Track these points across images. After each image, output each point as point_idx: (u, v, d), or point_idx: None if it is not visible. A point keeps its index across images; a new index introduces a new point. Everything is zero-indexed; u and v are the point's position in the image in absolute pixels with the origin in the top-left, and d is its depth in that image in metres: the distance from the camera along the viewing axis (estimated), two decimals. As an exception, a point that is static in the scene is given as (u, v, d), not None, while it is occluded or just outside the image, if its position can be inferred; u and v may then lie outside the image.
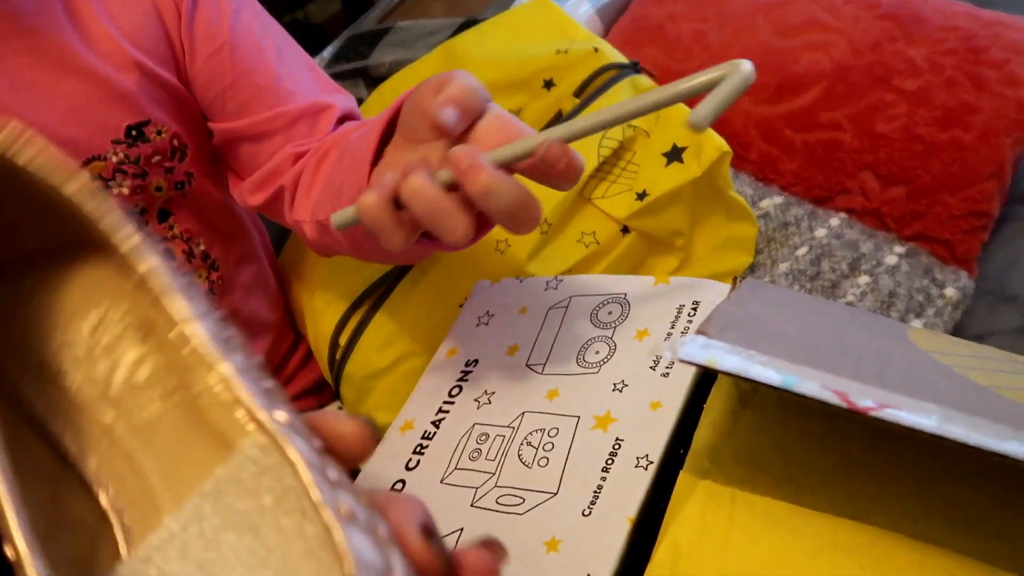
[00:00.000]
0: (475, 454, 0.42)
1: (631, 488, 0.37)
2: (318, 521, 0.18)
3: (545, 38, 0.73)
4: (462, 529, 0.39)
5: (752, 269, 0.68)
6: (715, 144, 0.60)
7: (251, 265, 0.70)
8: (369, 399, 0.62)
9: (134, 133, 0.55)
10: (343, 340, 0.64)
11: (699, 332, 0.32)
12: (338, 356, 0.65)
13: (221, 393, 0.20)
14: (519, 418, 0.43)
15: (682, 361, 0.29)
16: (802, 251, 0.67)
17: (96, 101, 0.53)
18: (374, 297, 0.63)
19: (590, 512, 0.37)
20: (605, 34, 0.91)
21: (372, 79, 0.89)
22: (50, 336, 0.23)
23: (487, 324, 0.50)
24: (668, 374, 0.41)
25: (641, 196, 0.61)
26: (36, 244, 0.24)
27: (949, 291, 0.66)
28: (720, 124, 0.76)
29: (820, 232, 0.68)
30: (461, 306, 0.55)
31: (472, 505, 0.40)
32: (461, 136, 0.41)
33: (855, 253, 0.67)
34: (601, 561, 0.35)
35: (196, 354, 0.19)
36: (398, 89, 0.74)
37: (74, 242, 0.23)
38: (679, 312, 0.44)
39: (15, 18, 0.51)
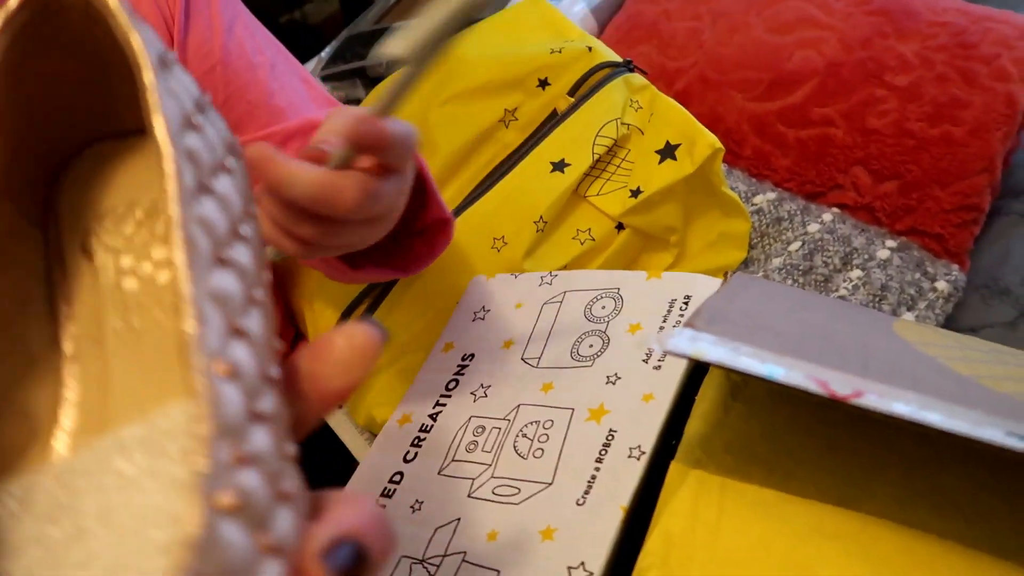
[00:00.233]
0: (472, 446, 0.43)
1: (624, 478, 0.38)
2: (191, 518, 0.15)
3: (540, 37, 0.74)
4: (459, 519, 0.40)
5: (746, 264, 0.69)
6: (708, 141, 0.61)
7: None
8: (368, 395, 0.63)
9: None
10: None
11: (687, 325, 0.33)
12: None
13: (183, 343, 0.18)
14: (515, 411, 0.44)
15: (670, 353, 0.30)
16: (795, 246, 0.68)
17: None
18: (373, 295, 0.64)
19: (584, 501, 0.37)
20: (600, 32, 0.92)
21: (370, 79, 0.90)
22: (105, 210, 0.22)
23: (483, 319, 0.51)
24: (660, 367, 0.42)
25: (635, 193, 0.62)
26: (133, 122, 0.23)
27: (940, 284, 0.66)
28: (714, 121, 0.77)
29: (813, 227, 0.69)
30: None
31: (469, 496, 0.41)
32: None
33: (847, 247, 0.68)
34: (595, 549, 0.36)
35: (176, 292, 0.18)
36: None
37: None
38: (671, 306, 0.45)
39: None
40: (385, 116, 0.35)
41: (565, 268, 0.61)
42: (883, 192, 0.71)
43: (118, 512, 0.18)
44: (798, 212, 0.71)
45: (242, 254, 0.19)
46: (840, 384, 0.29)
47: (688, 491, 0.37)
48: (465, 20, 0.28)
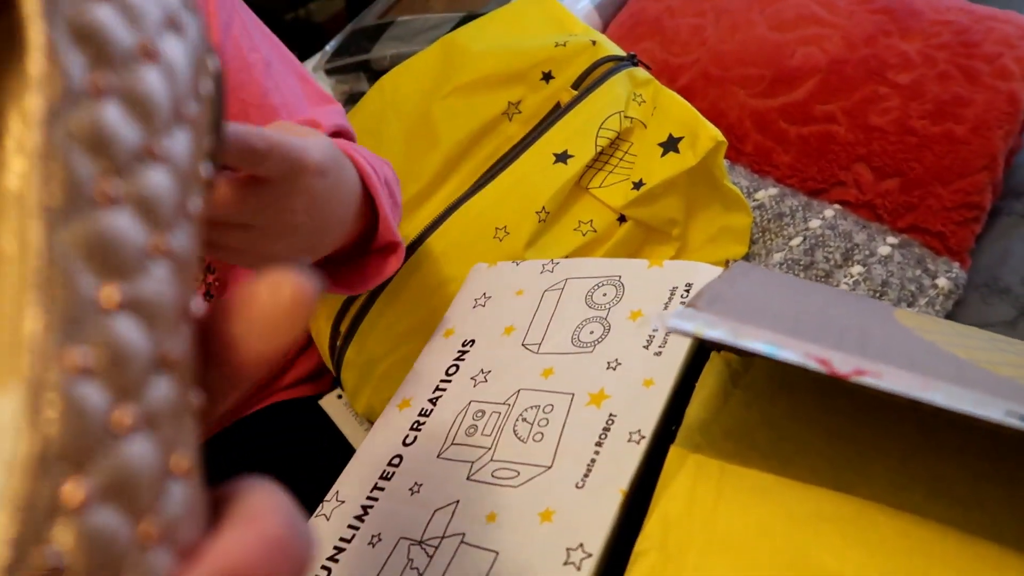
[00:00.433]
0: (471, 430, 0.43)
1: (623, 461, 0.38)
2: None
3: (543, 32, 0.74)
4: (458, 501, 0.40)
5: (747, 259, 0.69)
6: (710, 134, 0.61)
7: None
8: (370, 383, 0.63)
9: None
10: (344, 327, 0.65)
11: (688, 305, 0.33)
12: (339, 343, 0.66)
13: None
14: (515, 395, 0.44)
15: (670, 330, 0.30)
16: (796, 241, 0.68)
17: None
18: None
19: (583, 484, 0.38)
20: (603, 29, 0.92)
21: (373, 72, 0.90)
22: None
23: (484, 306, 0.51)
24: (661, 353, 0.42)
25: (637, 185, 0.62)
26: None
27: (941, 281, 0.67)
28: (716, 116, 0.77)
29: (814, 223, 0.69)
30: (459, 291, 0.56)
31: (468, 479, 0.41)
32: None
33: (848, 243, 0.68)
34: (594, 531, 0.36)
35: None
36: (398, 82, 0.75)
37: None
38: (672, 294, 0.45)
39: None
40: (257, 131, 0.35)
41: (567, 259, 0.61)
42: (885, 189, 0.71)
43: None
44: (800, 208, 0.71)
45: (158, 173, 0.16)
46: (840, 363, 0.29)
47: (687, 475, 0.38)
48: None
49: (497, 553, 0.36)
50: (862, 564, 0.34)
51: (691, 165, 0.61)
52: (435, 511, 0.40)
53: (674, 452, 0.38)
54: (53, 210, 0.14)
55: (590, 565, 0.35)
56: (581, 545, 0.35)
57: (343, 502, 0.44)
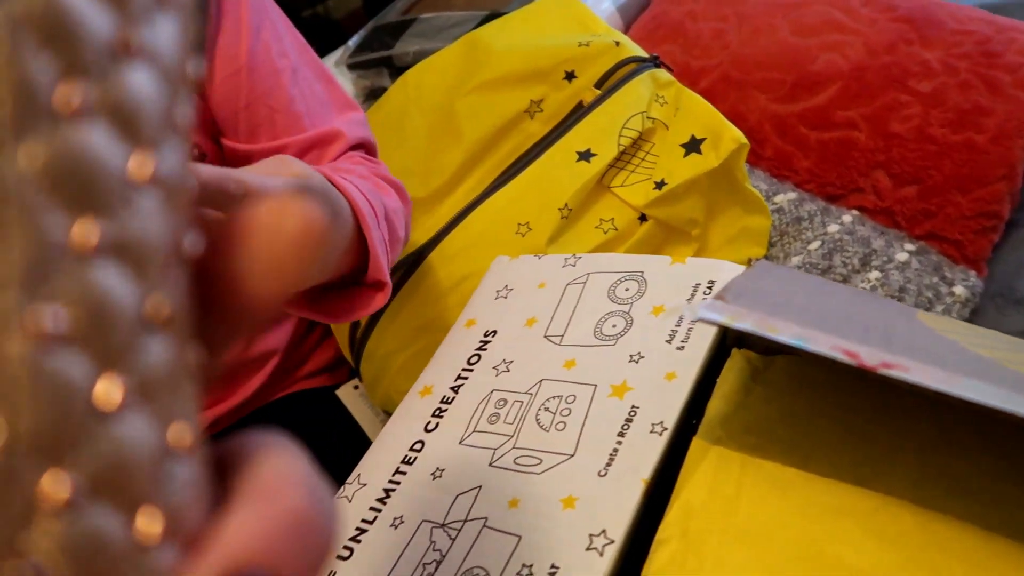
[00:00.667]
0: (493, 418, 0.44)
1: (646, 452, 0.38)
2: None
3: (567, 31, 0.75)
4: (480, 487, 0.40)
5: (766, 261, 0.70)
6: (733, 136, 0.62)
7: None
8: (388, 375, 0.64)
9: None
10: (364, 320, 0.66)
11: (716, 298, 0.34)
12: (359, 335, 0.66)
13: None
14: (537, 385, 0.44)
15: (701, 320, 0.31)
16: (814, 245, 0.69)
17: None
18: (396, 276, 0.65)
19: (606, 473, 0.38)
20: (625, 31, 0.93)
21: (395, 68, 0.91)
22: None
23: (505, 297, 0.51)
24: (683, 348, 0.43)
25: (659, 185, 0.63)
26: None
27: (958, 289, 0.67)
28: (736, 120, 0.78)
29: (832, 228, 0.70)
30: (480, 284, 0.57)
31: (490, 465, 0.41)
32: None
33: (866, 249, 0.68)
34: (616, 518, 0.36)
35: None
36: (421, 78, 0.76)
37: None
38: (695, 291, 0.45)
39: None
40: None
41: (586, 256, 0.61)
42: (903, 196, 0.71)
43: None
44: (818, 212, 0.71)
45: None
46: (868, 356, 0.30)
47: (709, 466, 0.38)
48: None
49: (520, 537, 0.37)
50: (880, 557, 0.34)
51: (713, 166, 0.62)
52: (457, 495, 0.40)
53: (696, 444, 0.39)
54: (6, 124, 0.10)
55: (612, 551, 0.35)
56: (604, 531, 0.36)
57: (364, 485, 0.44)
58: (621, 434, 0.40)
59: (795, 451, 0.39)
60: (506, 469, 0.41)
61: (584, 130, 0.66)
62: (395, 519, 0.41)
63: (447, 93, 0.73)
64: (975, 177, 0.69)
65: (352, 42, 0.98)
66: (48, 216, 0.11)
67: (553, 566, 0.35)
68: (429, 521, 0.40)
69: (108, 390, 0.11)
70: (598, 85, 0.70)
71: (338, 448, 0.60)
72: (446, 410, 0.46)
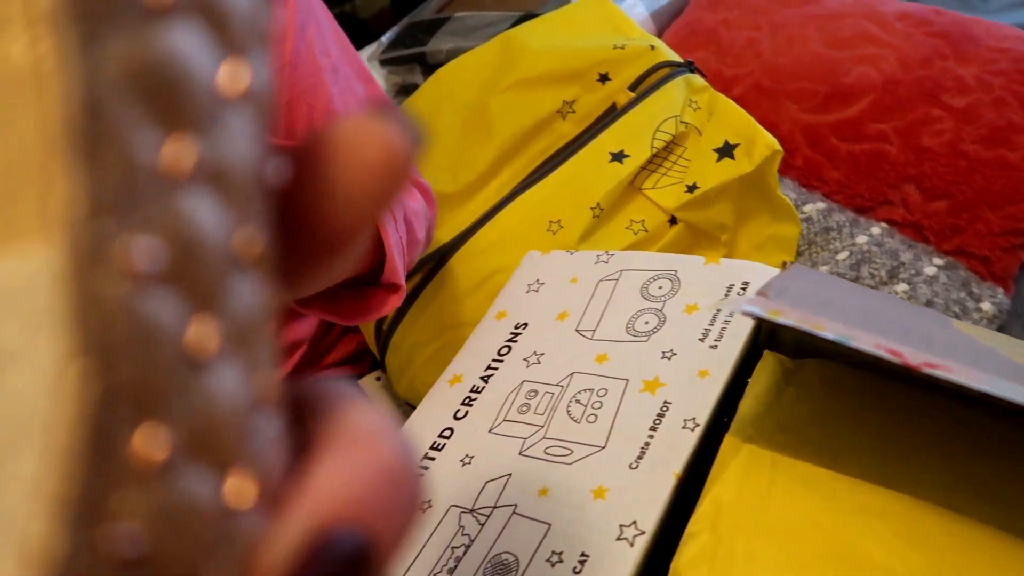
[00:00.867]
0: (524, 408, 0.44)
1: (678, 446, 0.39)
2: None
3: (602, 34, 0.75)
4: (510, 474, 0.41)
5: (791, 270, 0.70)
6: (767, 142, 0.62)
7: None
8: (413, 366, 0.64)
9: None
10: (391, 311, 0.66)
11: (758, 294, 0.34)
12: (385, 326, 0.67)
13: None
14: (568, 378, 0.44)
15: (745, 313, 0.31)
16: (842, 255, 0.69)
17: None
18: (425, 269, 0.65)
19: (637, 465, 0.38)
20: (658, 37, 0.93)
21: (428, 66, 0.92)
22: None
23: (537, 291, 0.52)
24: (716, 346, 0.43)
25: (691, 188, 0.63)
26: None
27: (985, 306, 0.67)
28: (767, 128, 0.78)
29: (861, 239, 0.70)
30: (510, 279, 0.57)
31: (520, 454, 0.41)
32: None
33: (895, 261, 0.68)
34: (648, 509, 0.36)
35: None
36: (455, 75, 0.77)
37: None
38: (728, 291, 0.46)
39: None
40: None
41: (616, 256, 0.62)
42: (933, 211, 0.71)
43: None
44: (847, 223, 0.71)
45: None
46: (911, 355, 0.30)
47: (740, 463, 0.38)
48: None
49: (549, 525, 0.37)
50: (909, 559, 0.34)
51: (746, 171, 0.62)
52: (487, 482, 0.41)
53: (728, 441, 0.39)
54: (87, 18, 0.09)
55: (643, 542, 0.35)
56: (634, 522, 0.36)
57: (393, 470, 0.45)
58: (653, 428, 0.40)
59: (825, 451, 0.39)
60: (536, 458, 0.41)
61: (618, 131, 0.66)
62: (424, 503, 0.41)
63: (480, 91, 0.73)
64: (1006, 194, 0.69)
65: (385, 38, 0.99)
66: (141, 131, 0.09)
67: (583, 554, 0.36)
68: (458, 506, 0.40)
69: (202, 336, 0.10)
70: (632, 88, 0.70)
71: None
72: (476, 399, 0.46)
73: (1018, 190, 0.69)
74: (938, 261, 0.69)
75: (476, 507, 0.40)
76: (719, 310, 0.45)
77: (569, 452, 0.40)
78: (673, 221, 0.64)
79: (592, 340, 0.46)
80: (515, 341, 0.49)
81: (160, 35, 0.09)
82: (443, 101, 0.75)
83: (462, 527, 0.39)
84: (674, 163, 0.66)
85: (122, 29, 0.09)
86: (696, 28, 0.88)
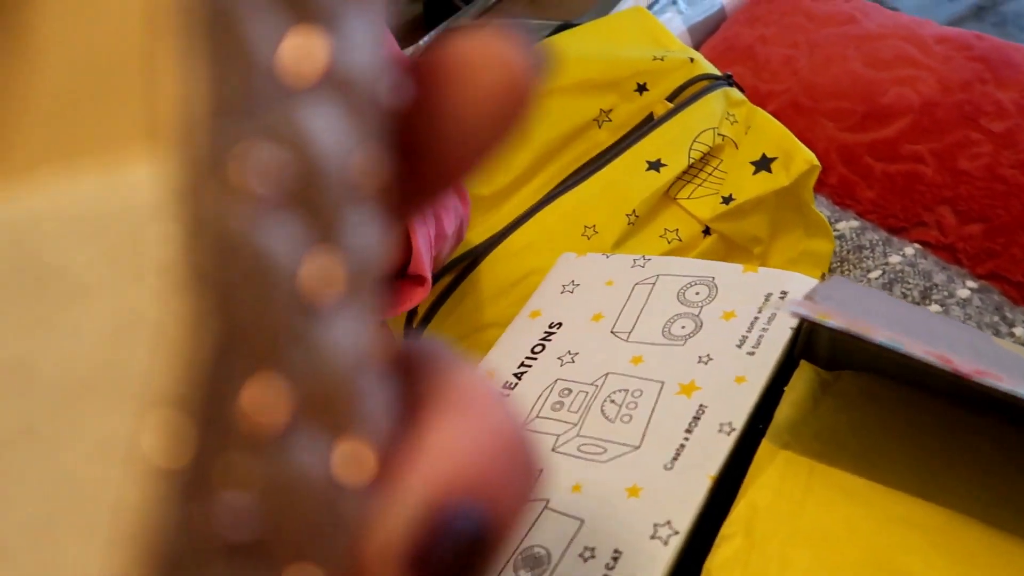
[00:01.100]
0: (557, 406, 0.44)
1: (713, 449, 0.39)
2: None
3: (641, 45, 0.76)
4: (542, 470, 0.40)
5: (822, 287, 0.69)
6: (805, 157, 0.62)
7: None
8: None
9: None
10: (423, 308, 0.66)
11: (805, 298, 0.34)
12: (415, 324, 0.67)
13: None
14: (603, 378, 0.44)
15: (793, 314, 0.31)
16: (875, 274, 0.68)
17: None
18: (458, 269, 0.65)
19: (672, 466, 0.38)
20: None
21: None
22: None
23: (572, 292, 0.52)
24: (754, 353, 0.43)
25: (727, 200, 0.63)
26: None
27: (1019, 331, 0.66)
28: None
29: (894, 259, 0.70)
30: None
31: (553, 450, 0.41)
32: None
33: (927, 282, 0.68)
34: (682, 510, 0.36)
35: None
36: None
37: None
38: (767, 299, 0.46)
39: None
40: None
41: (649, 263, 0.62)
42: (967, 234, 0.71)
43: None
44: (880, 243, 0.71)
45: None
46: (961, 363, 0.30)
47: (776, 469, 0.38)
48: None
49: (582, 521, 0.37)
50: (947, 572, 0.34)
51: (783, 185, 0.62)
52: (520, 477, 0.41)
53: (764, 447, 0.39)
54: None
55: (677, 542, 0.35)
56: (669, 522, 0.36)
57: (424, 462, 0.45)
58: (688, 431, 0.40)
59: (863, 461, 0.39)
60: (569, 455, 0.41)
61: (656, 140, 0.67)
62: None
63: (518, 95, 0.74)
64: (1043, 220, 0.69)
65: (423, 42, 0.99)
66: (264, 17, 0.08)
67: (616, 551, 0.36)
68: (490, 499, 0.40)
69: (323, 277, 0.08)
70: (670, 99, 0.71)
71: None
72: (508, 395, 0.46)
73: (1055, 217, 0.69)
74: (971, 284, 0.69)
75: (508, 501, 0.40)
76: (756, 317, 0.45)
77: (603, 451, 0.40)
78: (707, 232, 0.64)
79: (627, 342, 0.46)
80: (549, 340, 0.49)
81: None
82: (480, 105, 0.76)
83: (493, 520, 0.39)
84: (710, 174, 0.66)
85: None
86: (733, 44, 0.88)
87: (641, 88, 0.72)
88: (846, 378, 0.43)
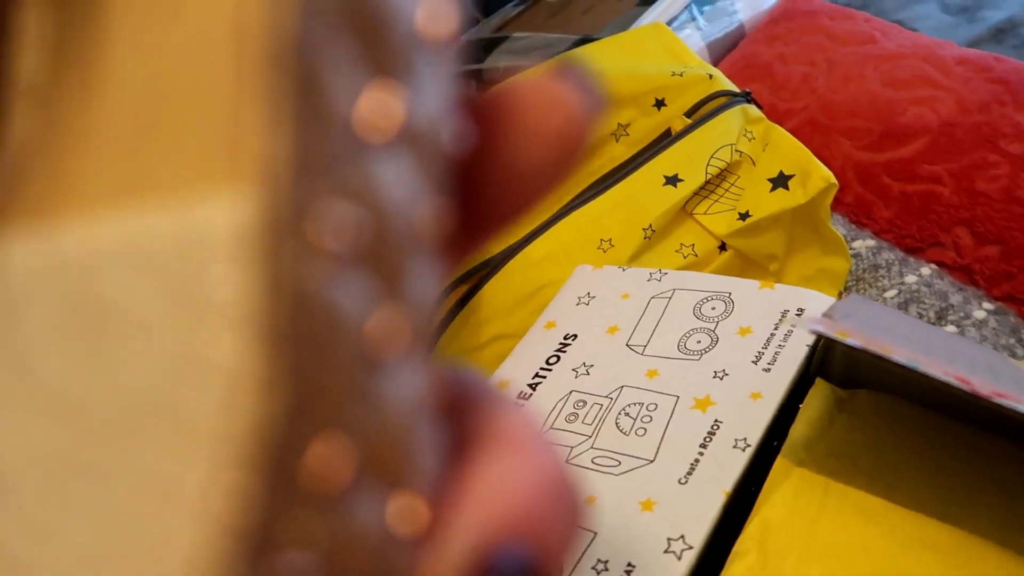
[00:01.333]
0: (571, 417, 0.44)
1: (728, 465, 0.39)
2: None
3: (660, 60, 0.76)
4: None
5: (837, 305, 0.69)
6: (823, 175, 0.62)
7: None
8: (454, 372, 0.65)
9: None
10: (438, 316, 0.67)
11: (824, 315, 0.34)
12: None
13: None
14: (617, 390, 0.45)
15: (812, 331, 0.31)
16: (891, 293, 0.68)
17: None
18: (473, 280, 0.66)
19: (687, 481, 0.38)
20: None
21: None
22: None
23: (587, 304, 0.52)
24: (770, 370, 0.43)
25: (743, 216, 0.63)
26: None
27: (1034, 353, 0.66)
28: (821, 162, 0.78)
29: (910, 278, 0.69)
30: (559, 293, 0.57)
31: (567, 462, 0.42)
32: None
33: (943, 303, 0.68)
34: (696, 525, 0.36)
35: None
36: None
37: None
38: (783, 316, 0.46)
39: None
40: None
41: (664, 277, 0.62)
42: (984, 255, 0.71)
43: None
44: (896, 262, 0.71)
45: None
46: (980, 384, 0.30)
47: (791, 486, 0.38)
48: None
49: (596, 533, 0.37)
50: (963, 595, 0.34)
51: (800, 203, 0.62)
52: (533, 488, 0.41)
53: (779, 463, 0.39)
54: None
55: (690, 556, 0.35)
56: (683, 537, 0.36)
57: (438, 471, 0.45)
58: (703, 445, 0.40)
59: (879, 481, 0.39)
60: (583, 467, 0.41)
61: (673, 155, 0.67)
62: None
63: (537, 108, 0.74)
64: (1061, 243, 0.69)
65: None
66: (345, 75, 0.08)
67: (630, 564, 0.36)
68: (503, 509, 0.40)
69: (388, 332, 0.08)
70: (688, 114, 0.71)
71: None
72: (523, 405, 0.47)
73: (1073, 240, 0.69)
74: (988, 306, 0.68)
75: (521, 511, 0.40)
76: (773, 334, 0.45)
77: (617, 463, 0.40)
78: (723, 248, 0.64)
79: (643, 355, 0.46)
80: (564, 351, 0.49)
81: None
82: (499, 117, 0.76)
83: (507, 530, 0.39)
84: (727, 190, 0.66)
85: None
86: (752, 61, 0.89)
87: (659, 103, 0.72)
88: (862, 396, 0.43)
